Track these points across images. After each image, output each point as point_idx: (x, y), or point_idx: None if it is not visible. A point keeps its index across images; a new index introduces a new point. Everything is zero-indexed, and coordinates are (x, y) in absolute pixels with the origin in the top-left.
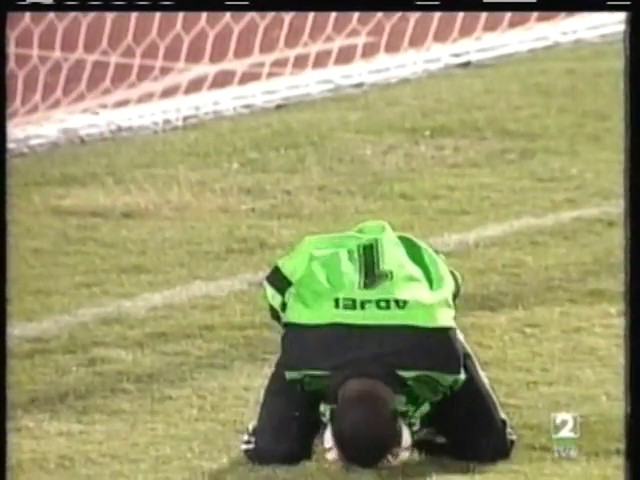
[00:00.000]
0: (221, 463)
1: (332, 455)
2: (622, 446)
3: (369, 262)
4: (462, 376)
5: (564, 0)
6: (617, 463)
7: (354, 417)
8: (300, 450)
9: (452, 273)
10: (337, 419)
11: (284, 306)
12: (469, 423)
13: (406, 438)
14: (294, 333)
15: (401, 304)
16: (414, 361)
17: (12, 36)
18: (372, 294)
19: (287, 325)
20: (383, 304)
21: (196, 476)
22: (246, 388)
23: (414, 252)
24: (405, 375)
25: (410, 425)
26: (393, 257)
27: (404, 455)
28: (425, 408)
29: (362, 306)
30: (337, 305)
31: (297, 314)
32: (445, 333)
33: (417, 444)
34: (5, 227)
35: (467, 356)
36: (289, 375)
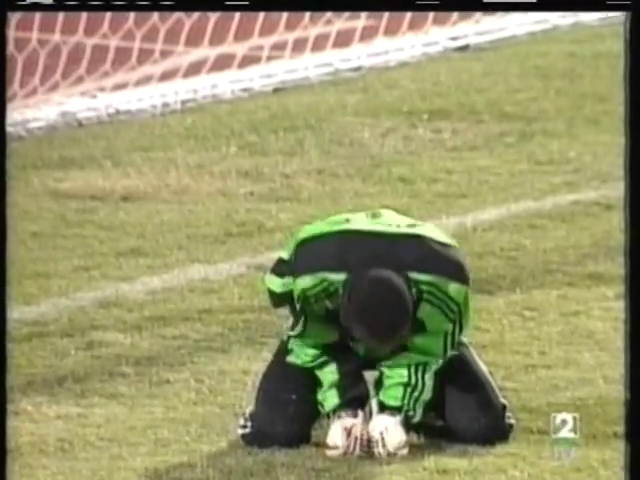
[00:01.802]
0: (219, 446)
1: (334, 452)
2: (620, 429)
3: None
4: (467, 289)
5: (564, 0)
6: (615, 446)
7: (372, 281)
8: (297, 433)
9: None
10: (355, 289)
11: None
12: (467, 407)
13: (401, 434)
14: (306, 245)
15: (411, 225)
16: (424, 265)
17: (12, 19)
18: (382, 222)
19: (298, 244)
20: (394, 225)
21: (194, 459)
22: (244, 371)
23: None
24: (416, 277)
25: (408, 418)
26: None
27: (402, 452)
28: (427, 395)
29: (372, 223)
30: (348, 221)
31: (308, 231)
32: (453, 247)
33: (415, 427)
34: (4, 210)
35: (463, 344)
36: (302, 283)
